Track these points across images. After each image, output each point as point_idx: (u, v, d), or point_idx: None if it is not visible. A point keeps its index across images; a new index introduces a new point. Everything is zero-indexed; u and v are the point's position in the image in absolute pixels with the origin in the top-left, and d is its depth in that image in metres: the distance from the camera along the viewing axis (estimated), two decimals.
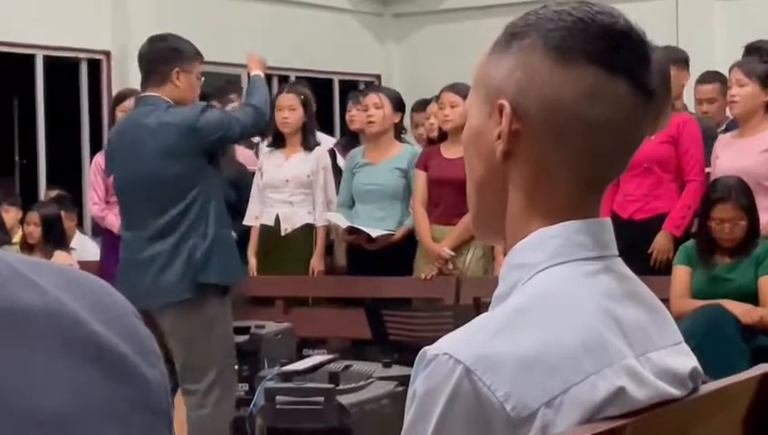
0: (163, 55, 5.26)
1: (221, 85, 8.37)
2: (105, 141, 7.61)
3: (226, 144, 5.69)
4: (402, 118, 7.67)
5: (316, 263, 7.41)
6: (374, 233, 7.15)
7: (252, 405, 4.55)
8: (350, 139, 8.43)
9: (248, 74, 6.00)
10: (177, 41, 5.35)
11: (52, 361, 0.77)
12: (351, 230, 7.24)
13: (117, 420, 0.79)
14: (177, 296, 5.10)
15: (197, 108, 5.34)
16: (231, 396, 5.01)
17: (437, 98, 7.34)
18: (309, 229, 7.41)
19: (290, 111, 7.22)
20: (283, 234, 7.28)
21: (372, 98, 7.48)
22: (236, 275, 5.42)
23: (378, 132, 7.38)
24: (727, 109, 6.71)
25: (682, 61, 7.16)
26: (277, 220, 7.28)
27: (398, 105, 7.55)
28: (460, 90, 6.86)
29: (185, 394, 5.16)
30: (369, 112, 7.39)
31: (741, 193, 5.78)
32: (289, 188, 7.24)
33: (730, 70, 6.49)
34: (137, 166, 5.18)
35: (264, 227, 7.19)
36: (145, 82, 5.35)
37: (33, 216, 7.75)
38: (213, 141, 5.24)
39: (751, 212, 5.75)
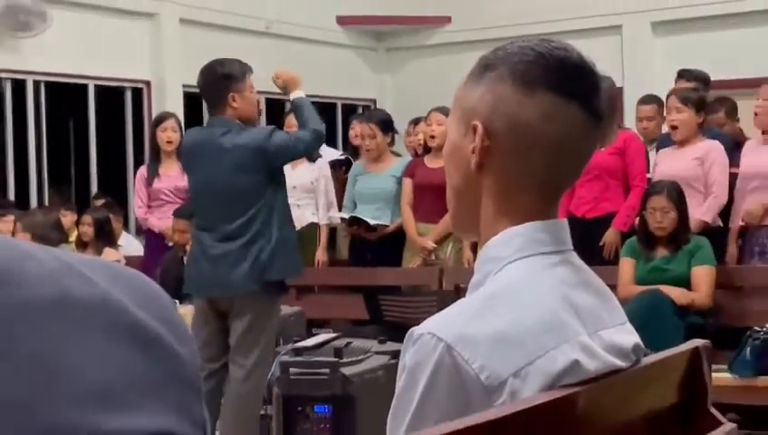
0: (216, 85, 5.15)
1: None
2: (154, 155, 7.60)
3: (292, 160, 5.58)
4: (393, 136, 7.66)
5: (320, 255, 7.41)
6: (372, 222, 7.17)
7: (270, 376, 4.55)
8: (353, 152, 8.46)
9: (288, 97, 5.69)
10: (226, 66, 5.21)
11: (100, 341, 0.77)
12: (353, 221, 7.25)
13: (154, 392, 0.79)
14: (244, 289, 5.06)
15: (267, 130, 5.28)
16: (267, 373, 5.00)
17: (426, 117, 7.36)
18: (313, 227, 7.40)
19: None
20: None
21: (364, 129, 7.48)
22: (295, 270, 5.36)
23: (375, 157, 7.39)
24: (663, 126, 6.72)
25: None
26: None
27: (387, 127, 7.54)
28: (446, 111, 6.88)
29: (232, 364, 5.11)
30: (366, 142, 7.40)
31: (672, 189, 5.81)
32: (296, 193, 7.21)
33: (668, 96, 6.49)
34: (212, 177, 5.11)
35: None
36: (210, 108, 5.31)
37: (88, 218, 7.75)
38: (279, 160, 5.20)
39: (680, 207, 5.75)
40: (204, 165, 5.16)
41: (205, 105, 5.42)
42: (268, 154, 5.07)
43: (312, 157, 5.68)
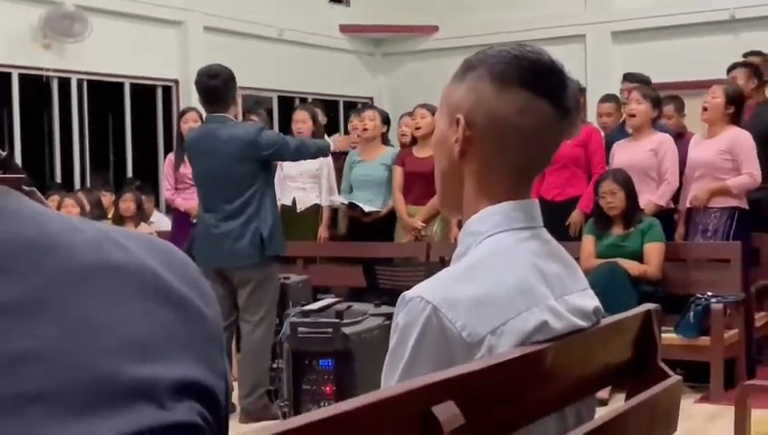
0: (223, 86, 5.23)
1: (251, 103, 8.32)
2: (179, 143, 7.57)
3: (280, 159, 5.64)
4: (388, 129, 7.71)
5: (323, 232, 7.43)
6: (366, 208, 7.21)
7: (281, 334, 4.55)
8: None
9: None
10: (227, 72, 5.28)
11: (135, 301, 0.77)
12: (351, 205, 7.30)
13: (183, 346, 0.79)
14: (248, 260, 5.18)
15: (257, 126, 5.43)
16: (273, 327, 5.11)
17: (411, 112, 7.36)
18: (316, 208, 7.42)
19: (303, 123, 7.21)
20: (298, 211, 7.28)
21: (369, 113, 7.54)
22: (284, 248, 5.47)
23: (370, 137, 7.40)
24: (623, 118, 6.70)
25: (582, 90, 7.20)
26: (294, 202, 7.29)
27: (386, 120, 7.62)
28: (428, 106, 6.89)
29: (242, 322, 5.27)
30: (365, 123, 7.41)
31: (618, 174, 5.82)
32: (302, 178, 7.24)
33: (630, 91, 6.47)
34: (211, 165, 5.20)
35: (284, 207, 7.16)
36: (210, 106, 5.30)
37: (129, 196, 7.78)
38: (267, 154, 5.24)
39: (627, 189, 5.75)
40: (206, 156, 5.23)
41: (201, 104, 5.44)
42: (258, 146, 5.15)
43: (324, 152, 5.71)
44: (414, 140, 7.25)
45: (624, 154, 6.20)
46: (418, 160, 6.85)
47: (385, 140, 7.68)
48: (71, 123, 9.93)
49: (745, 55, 7.09)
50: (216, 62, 5.49)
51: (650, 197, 6.03)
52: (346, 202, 7.31)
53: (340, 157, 8.12)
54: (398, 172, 7.14)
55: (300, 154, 5.52)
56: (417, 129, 7.05)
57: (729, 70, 6.66)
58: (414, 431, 1.05)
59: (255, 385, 5.15)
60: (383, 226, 7.24)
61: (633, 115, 6.22)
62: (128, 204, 7.68)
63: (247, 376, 5.19)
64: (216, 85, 5.22)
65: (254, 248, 5.18)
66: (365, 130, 7.41)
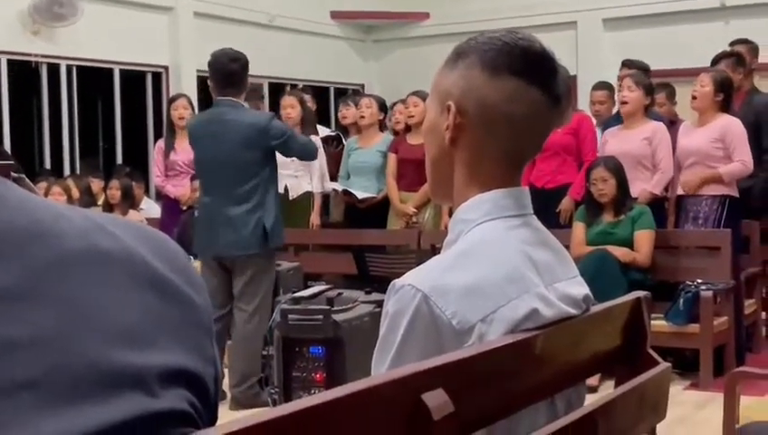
0: (241, 71, 5.20)
1: (248, 91, 8.24)
2: (170, 130, 7.54)
3: (286, 151, 5.45)
4: (385, 116, 7.72)
5: (315, 219, 7.43)
6: (360, 195, 7.24)
7: (271, 321, 4.56)
8: (342, 130, 8.45)
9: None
10: (245, 58, 5.24)
11: (125, 288, 0.77)
12: (346, 192, 7.32)
13: (172, 332, 0.79)
14: (248, 250, 5.14)
15: (268, 115, 5.36)
16: (266, 317, 5.08)
17: (404, 100, 7.36)
18: (308, 196, 7.42)
19: (291, 109, 7.20)
20: (290, 199, 7.27)
21: (365, 101, 7.56)
22: (283, 239, 5.44)
23: (367, 124, 7.43)
24: (616, 105, 6.69)
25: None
26: (286, 189, 7.26)
27: (382, 107, 7.64)
28: (420, 94, 6.89)
29: (236, 310, 5.23)
30: (362, 111, 7.44)
31: (610, 161, 5.82)
32: (294, 165, 7.21)
33: (623, 77, 6.45)
34: (218, 149, 5.12)
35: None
36: (223, 90, 5.21)
37: (115, 183, 7.74)
38: (276, 144, 5.20)
39: (618, 176, 5.75)
40: (212, 140, 5.16)
41: (211, 88, 5.33)
42: (268, 134, 5.10)
43: (313, 154, 5.69)
44: (408, 128, 7.27)
45: (617, 142, 6.19)
46: (412, 147, 6.88)
47: (382, 126, 7.69)
48: (60, 109, 9.89)
49: (732, 44, 7.09)
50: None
51: (644, 185, 6.03)
52: (339, 189, 7.34)
53: (331, 143, 8.15)
54: (392, 159, 7.17)
55: (306, 152, 5.49)
56: (411, 117, 7.07)
57: (714, 62, 6.65)
58: (404, 418, 1.06)
59: (247, 374, 5.14)
60: (378, 212, 7.28)
61: (625, 102, 6.21)
62: (113, 192, 7.65)
63: (238, 365, 5.17)
64: (235, 69, 5.17)
65: (255, 238, 5.13)
66: (362, 117, 7.43)
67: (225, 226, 5.12)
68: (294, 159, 7.18)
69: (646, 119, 6.21)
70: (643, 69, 6.97)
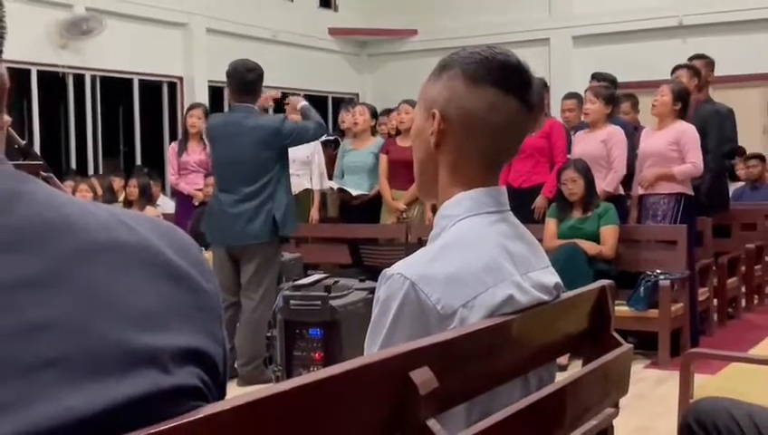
0: (257, 80, 5.19)
1: None
2: (184, 134, 7.53)
3: (300, 143, 5.42)
4: (377, 122, 7.73)
5: (314, 214, 7.42)
6: (354, 192, 7.23)
7: (275, 306, 4.55)
8: (340, 134, 8.45)
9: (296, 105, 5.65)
10: (260, 69, 5.24)
11: (141, 277, 0.77)
12: (341, 190, 7.32)
13: (184, 317, 0.79)
14: (258, 240, 5.09)
15: (280, 117, 5.33)
16: (271, 303, 5.04)
17: (397, 108, 7.37)
18: (308, 192, 7.41)
19: (295, 113, 7.19)
20: (292, 195, 7.25)
21: (359, 108, 7.55)
22: (296, 228, 5.41)
23: (360, 130, 7.42)
24: (582, 116, 6.73)
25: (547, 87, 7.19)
26: None
27: (374, 114, 7.66)
28: (412, 103, 6.89)
29: (244, 298, 5.17)
30: (356, 118, 7.44)
31: (579, 163, 5.82)
32: (295, 165, 7.16)
33: (585, 91, 6.51)
34: (235, 151, 5.10)
35: None
36: (240, 96, 5.19)
37: (134, 182, 7.73)
38: (289, 141, 5.18)
39: (587, 177, 5.76)
40: (230, 140, 5.16)
41: (227, 94, 5.31)
42: (281, 135, 5.10)
43: (323, 127, 5.67)
44: (398, 132, 7.29)
45: (581, 145, 6.23)
46: (402, 149, 6.87)
47: (374, 131, 7.71)
48: (85, 116, 9.87)
49: (690, 59, 7.12)
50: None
51: (600, 184, 6.05)
52: (335, 187, 7.34)
53: (330, 146, 8.17)
54: (384, 160, 7.16)
55: (317, 133, 5.37)
56: (402, 123, 7.09)
57: (673, 71, 6.70)
58: (393, 393, 1.06)
59: (253, 356, 5.11)
60: (370, 208, 7.27)
61: (587, 113, 6.28)
62: (132, 189, 7.66)
63: (246, 346, 5.13)
64: (251, 78, 5.17)
65: (266, 229, 5.08)
66: (356, 123, 7.43)
67: (237, 218, 5.10)
68: (295, 159, 7.20)
69: (607, 124, 6.23)
70: (611, 81, 6.98)
